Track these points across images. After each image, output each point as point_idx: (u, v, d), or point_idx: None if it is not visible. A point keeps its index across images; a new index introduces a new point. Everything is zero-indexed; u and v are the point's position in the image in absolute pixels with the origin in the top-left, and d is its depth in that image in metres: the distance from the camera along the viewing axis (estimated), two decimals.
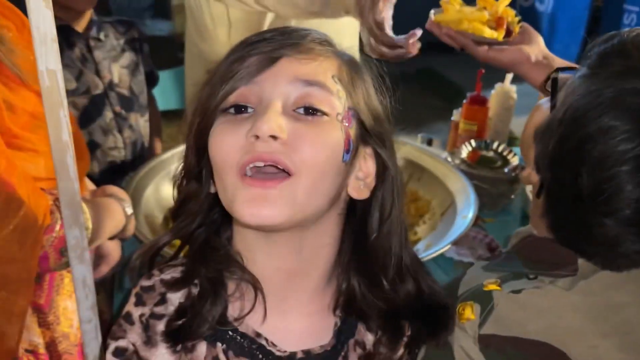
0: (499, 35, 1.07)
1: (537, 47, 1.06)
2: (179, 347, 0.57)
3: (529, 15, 4.18)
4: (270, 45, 0.56)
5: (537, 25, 4.17)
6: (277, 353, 0.59)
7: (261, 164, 0.54)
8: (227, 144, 0.55)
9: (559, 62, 1.02)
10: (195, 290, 0.59)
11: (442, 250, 1.06)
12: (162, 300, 0.58)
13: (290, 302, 0.61)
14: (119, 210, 0.97)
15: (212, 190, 0.60)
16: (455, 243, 1.14)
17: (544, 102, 0.69)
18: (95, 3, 1.38)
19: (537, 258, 0.66)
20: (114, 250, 1.00)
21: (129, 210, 0.99)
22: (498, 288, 0.63)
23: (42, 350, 0.91)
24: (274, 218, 0.54)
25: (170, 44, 4.40)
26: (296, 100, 0.55)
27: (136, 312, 0.58)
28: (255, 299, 0.59)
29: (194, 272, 0.59)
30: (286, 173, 0.54)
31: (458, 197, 1.25)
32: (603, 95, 0.58)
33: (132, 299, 0.59)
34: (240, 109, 0.56)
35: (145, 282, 0.59)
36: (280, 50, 0.55)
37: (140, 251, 0.63)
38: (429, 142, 1.63)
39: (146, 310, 0.58)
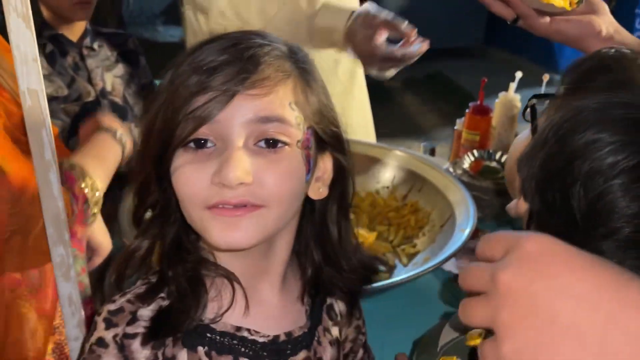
0: (565, 2, 0.89)
1: (607, 18, 0.91)
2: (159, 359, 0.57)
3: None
4: (225, 78, 0.55)
5: None
6: (261, 339, 0.61)
7: (230, 206, 0.55)
8: (192, 183, 0.56)
9: (630, 39, 0.90)
10: (165, 303, 0.59)
11: (436, 266, 1.05)
12: (134, 319, 0.58)
13: (262, 294, 0.63)
14: (112, 144, 0.99)
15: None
16: (454, 256, 1.13)
17: (524, 133, 0.67)
18: (91, 15, 1.39)
19: None
20: (104, 241, 1.01)
21: (123, 137, 1.00)
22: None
23: (49, 356, 0.92)
24: (246, 242, 0.56)
25: (182, 49, 4.43)
26: (257, 135, 0.56)
27: (108, 334, 0.57)
28: (233, 293, 0.60)
29: (167, 276, 0.59)
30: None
31: (457, 209, 1.24)
32: (587, 110, 0.56)
33: (101, 325, 0.58)
34: (200, 142, 0.56)
35: (111, 307, 0.58)
36: (235, 87, 0.54)
37: (114, 266, 0.62)
38: (432, 152, 1.61)
39: (119, 330, 0.57)
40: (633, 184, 0.54)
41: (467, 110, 1.59)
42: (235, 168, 0.53)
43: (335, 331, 0.68)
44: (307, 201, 0.63)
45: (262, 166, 0.55)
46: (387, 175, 1.45)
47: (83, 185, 0.89)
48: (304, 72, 0.60)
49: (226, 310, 0.60)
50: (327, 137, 0.61)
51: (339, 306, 0.70)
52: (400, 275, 1.14)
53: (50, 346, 0.93)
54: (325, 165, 0.62)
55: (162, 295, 0.59)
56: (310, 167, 0.59)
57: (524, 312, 0.39)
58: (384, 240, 1.27)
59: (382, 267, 0.72)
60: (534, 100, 0.64)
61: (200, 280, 0.60)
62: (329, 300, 0.69)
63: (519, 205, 0.64)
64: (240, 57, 0.56)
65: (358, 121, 1.66)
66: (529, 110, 0.65)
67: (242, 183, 0.54)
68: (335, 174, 0.63)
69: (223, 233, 0.55)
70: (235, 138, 0.55)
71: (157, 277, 0.60)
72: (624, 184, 0.54)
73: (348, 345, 0.73)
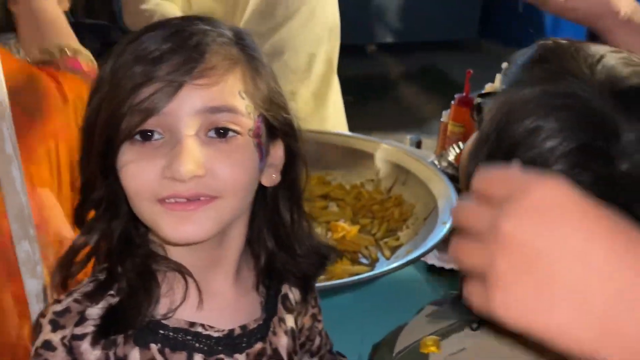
0: None
1: None
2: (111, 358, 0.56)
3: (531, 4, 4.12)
4: (171, 68, 0.53)
5: (541, 15, 4.12)
6: (215, 334, 0.60)
7: (183, 200, 0.54)
8: (142, 177, 0.54)
9: None
10: (114, 300, 0.57)
11: (416, 260, 1.03)
12: (82, 319, 0.56)
13: (216, 286, 0.62)
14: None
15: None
16: (434, 249, 1.11)
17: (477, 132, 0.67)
18: (67, 7, 1.37)
19: None
20: (68, 234, 0.99)
21: None
22: (437, 350, 0.59)
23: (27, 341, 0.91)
24: (201, 236, 0.55)
25: None
26: (207, 126, 0.54)
27: (56, 336, 0.55)
28: (186, 287, 0.59)
29: (117, 272, 0.58)
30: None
31: (441, 201, 1.22)
32: (524, 101, 0.56)
33: (47, 327, 0.55)
34: (147, 134, 0.54)
35: (57, 307, 0.56)
36: (182, 77, 0.53)
37: (58, 266, 0.60)
38: (418, 144, 1.60)
39: (67, 332, 0.55)
40: (572, 170, 0.53)
41: (452, 102, 1.58)
42: (187, 161, 0.52)
43: (290, 321, 0.67)
44: (260, 188, 0.62)
45: (214, 157, 0.54)
46: (372, 168, 1.44)
47: (85, 60, 0.90)
48: (251, 59, 0.58)
49: (179, 305, 0.58)
50: (277, 124, 0.60)
51: (294, 294, 0.69)
52: (382, 268, 1.13)
53: (28, 331, 0.92)
54: (277, 152, 0.61)
55: (112, 292, 0.57)
56: (263, 155, 0.58)
57: (523, 268, 0.36)
58: (367, 233, 1.26)
59: (334, 254, 0.70)
60: (480, 100, 0.64)
61: (151, 275, 0.58)
62: (283, 290, 0.68)
63: None
64: (186, 46, 0.54)
65: (332, 121, 1.65)
66: (476, 109, 0.65)
67: (194, 176, 0.53)
68: (287, 160, 0.62)
69: (176, 227, 0.54)
70: (185, 130, 0.53)
71: (105, 273, 0.58)
72: (565, 169, 0.53)
73: (305, 333, 0.72)
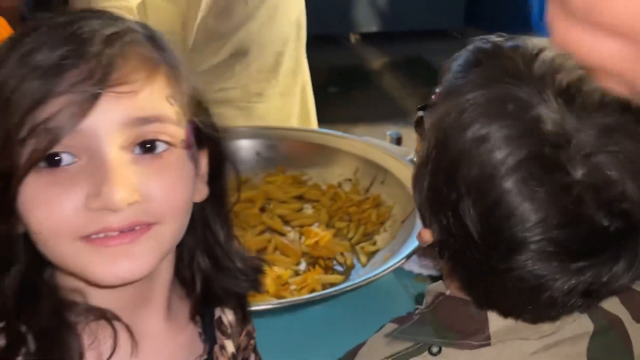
0: None
1: None
2: None
3: None
4: (79, 76, 0.44)
5: (526, 12, 4.06)
6: None
7: (115, 233, 0.46)
8: (57, 214, 0.45)
9: None
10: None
11: (393, 268, 0.97)
12: None
13: (149, 326, 0.54)
14: None
15: (21, 230, 0.48)
16: (412, 256, 1.05)
17: None
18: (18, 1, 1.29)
19: (447, 322, 0.56)
20: None
21: None
22: None
23: None
24: (142, 272, 0.47)
25: None
26: (133, 141, 0.46)
27: None
28: (115, 334, 0.50)
29: (19, 333, 0.48)
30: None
31: None
32: (465, 109, 0.50)
33: None
34: (53, 159, 0.45)
35: None
36: (97, 86, 0.44)
37: None
38: (398, 141, 1.53)
39: None
40: (526, 185, 0.47)
41: (432, 97, 1.51)
42: (120, 186, 0.44)
43: (230, 346, 0.60)
44: None
45: (147, 177, 0.46)
46: (349, 166, 1.37)
47: None
48: (170, 57, 0.50)
49: (110, 357, 0.50)
50: (206, 129, 0.52)
51: (227, 316, 0.62)
52: (358, 276, 1.07)
53: None
54: (203, 161, 0.54)
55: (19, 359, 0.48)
56: (197, 165, 0.52)
57: None
58: (343, 237, 1.20)
59: (266, 266, 0.65)
60: (421, 112, 0.59)
61: (68, 328, 0.49)
62: (216, 314, 0.60)
63: (422, 235, 0.57)
64: (90, 48, 0.45)
65: (300, 123, 1.58)
66: (418, 123, 0.60)
67: (130, 203, 0.45)
68: (213, 169, 0.55)
69: (110, 267, 0.46)
70: (109, 148, 0.45)
71: (7, 336, 0.48)
72: (517, 181, 0.47)
73: (241, 354, 0.65)
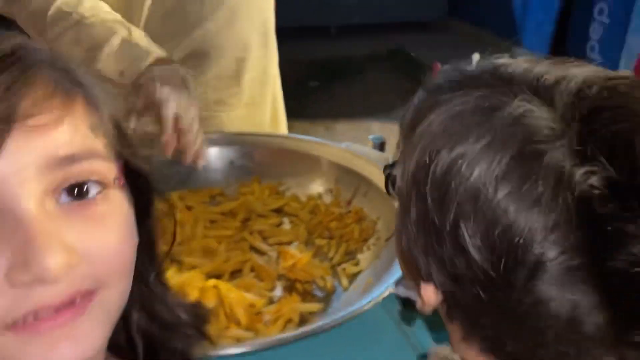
0: None
1: None
2: None
3: None
4: None
5: (509, 3, 3.99)
6: None
7: (49, 312, 0.36)
8: None
9: None
10: None
11: (381, 297, 0.88)
12: None
13: None
14: None
15: None
16: (398, 282, 0.96)
17: None
18: None
19: None
20: None
21: None
22: None
23: None
24: (89, 352, 0.37)
25: None
26: (58, 186, 0.36)
27: None
28: None
29: None
30: None
31: None
32: (432, 132, 0.47)
33: None
34: None
35: None
36: (4, 120, 0.34)
37: None
38: (381, 147, 1.44)
39: None
40: (519, 190, 0.40)
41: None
42: (50, 248, 0.34)
43: None
44: None
45: (82, 231, 0.37)
46: (329, 176, 1.28)
47: None
48: (83, 78, 0.41)
49: None
50: (134, 162, 0.43)
51: None
52: (339, 302, 0.98)
53: None
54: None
55: None
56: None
57: None
58: (323, 256, 1.10)
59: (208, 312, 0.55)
60: (388, 170, 0.55)
61: None
62: None
63: (424, 296, 0.49)
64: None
65: (271, 129, 1.48)
66: (390, 183, 0.56)
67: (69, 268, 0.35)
68: (141, 209, 0.44)
69: (51, 354, 0.36)
70: (25, 200, 0.34)
71: None
72: (511, 192, 0.41)
73: None
